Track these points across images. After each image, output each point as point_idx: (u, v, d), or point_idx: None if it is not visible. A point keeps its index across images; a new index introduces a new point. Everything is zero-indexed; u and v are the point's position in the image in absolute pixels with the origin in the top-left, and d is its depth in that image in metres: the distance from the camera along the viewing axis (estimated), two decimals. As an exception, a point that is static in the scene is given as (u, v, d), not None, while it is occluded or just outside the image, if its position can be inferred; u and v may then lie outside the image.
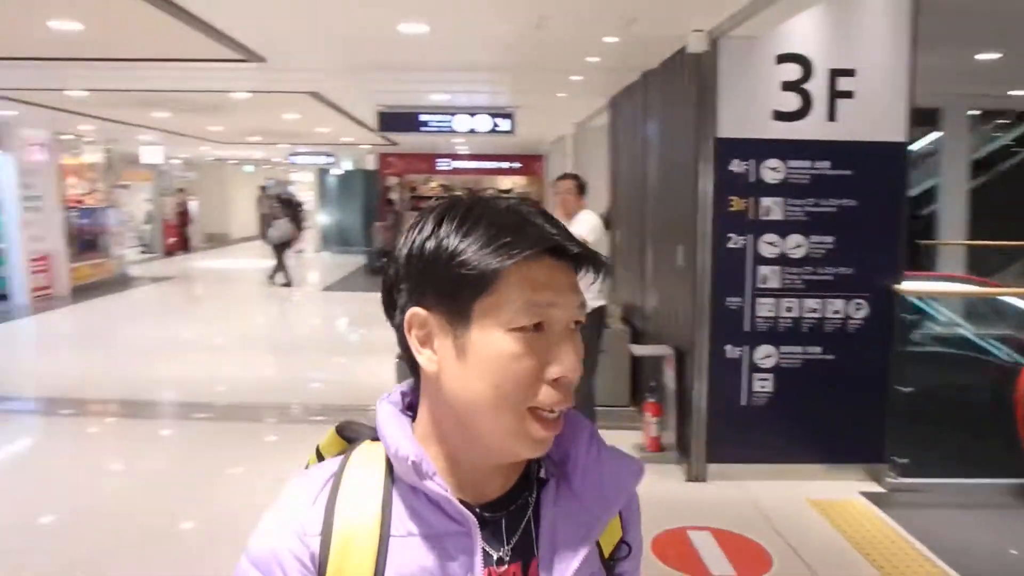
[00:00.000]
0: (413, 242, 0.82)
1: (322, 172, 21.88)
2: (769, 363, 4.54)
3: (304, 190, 25.16)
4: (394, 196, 19.67)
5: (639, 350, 5.24)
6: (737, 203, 4.44)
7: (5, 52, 5.83)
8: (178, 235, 20.95)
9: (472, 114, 8.79)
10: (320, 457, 0.94)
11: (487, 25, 4.77)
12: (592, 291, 4.76)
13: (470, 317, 0.78)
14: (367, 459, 0.85)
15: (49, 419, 6.38)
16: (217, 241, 24.22)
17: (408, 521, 0.81)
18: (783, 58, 4.33)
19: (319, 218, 22.43)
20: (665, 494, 4.39)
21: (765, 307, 4.50)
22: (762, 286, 4.49)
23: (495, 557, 0.83)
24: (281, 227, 13.51)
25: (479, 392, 0.78)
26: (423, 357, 0.81)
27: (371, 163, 19.65)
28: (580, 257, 0.81)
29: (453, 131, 8.94)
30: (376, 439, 0.87)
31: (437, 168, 19.52)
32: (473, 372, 0.78)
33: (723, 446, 4.58)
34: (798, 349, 4.53)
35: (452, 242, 0.78)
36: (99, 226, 13.78)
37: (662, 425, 4.94)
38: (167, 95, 8.36)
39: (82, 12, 4.67)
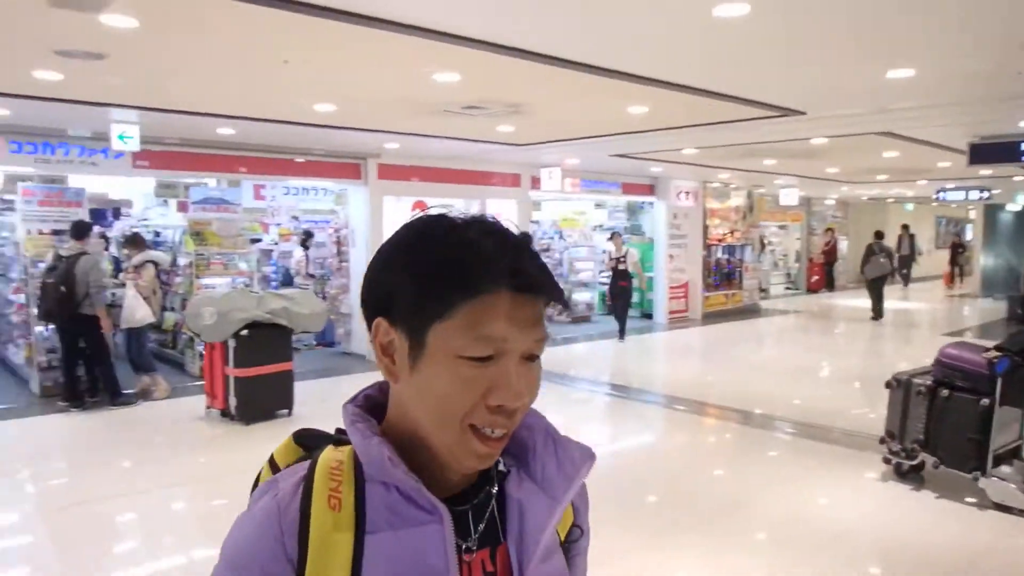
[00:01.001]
0: (389, 255, 0.85)
1: (992, 209, 19.87)
2: None
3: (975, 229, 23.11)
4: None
5: None
6: None
7: (603, 132, 7.99)
8: (822, 273, 21.48)
9: (1089, 138, 7.58)
10: (273, 464, 0.93)
11: (967, 64, 4.63)
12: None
13: (426, 338, 0.80)
14: (334, 461, 0.86)
15: (668, 411, 8.06)
16: (866, 280, 24.07)
17: (381, 516, 0.82)
18: None
19: (982, 259, 20.48)
20: None
21: None
22: None
23: (463, 547, 0.86)
24: (877, 264, 14.16)
25: (425, 406, 0.82)
26: (383, 365, 0.85)
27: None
28: (544, 290, 0.82)
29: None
30: (338, 444, 0.89)
31: None
32: (422, 387, 0.82)
33: None
34: None
35: (420, 268, 0.81)
36: (735, 261, 15.89)
37: None
38: (762, 145, 9.58)
39: (647, 100, 6.25)
